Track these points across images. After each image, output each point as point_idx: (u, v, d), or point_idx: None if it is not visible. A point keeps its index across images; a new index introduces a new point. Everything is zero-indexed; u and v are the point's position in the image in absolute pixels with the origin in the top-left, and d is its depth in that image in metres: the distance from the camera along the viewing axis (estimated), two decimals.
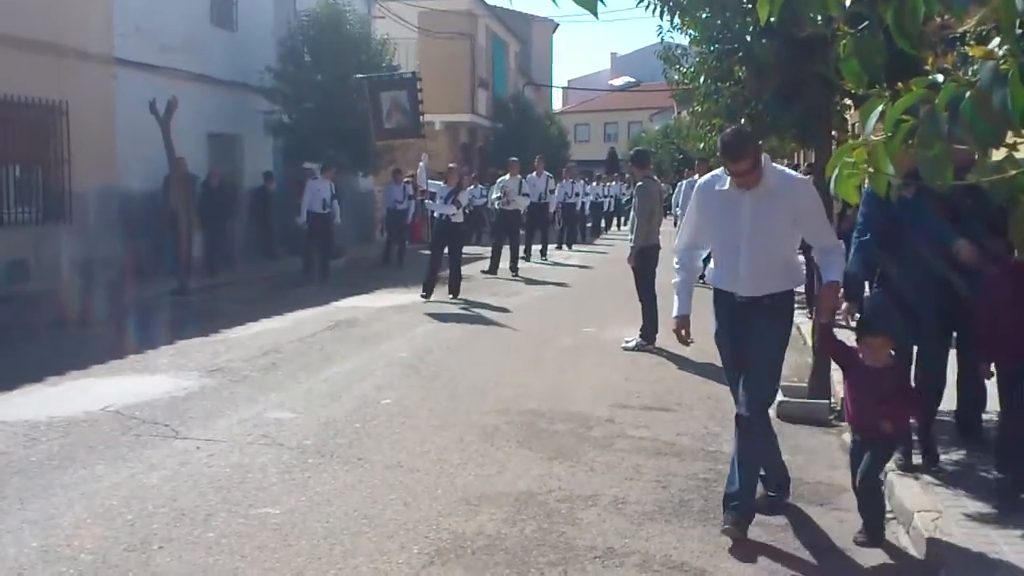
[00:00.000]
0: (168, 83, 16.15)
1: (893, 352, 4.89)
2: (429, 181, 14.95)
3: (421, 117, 15.71)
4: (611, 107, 68.23)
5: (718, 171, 5.07)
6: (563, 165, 29.74)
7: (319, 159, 18.94)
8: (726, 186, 4.93)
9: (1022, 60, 1.46)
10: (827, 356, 5.22)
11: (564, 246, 25.40)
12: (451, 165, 15.50)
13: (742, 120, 9.59)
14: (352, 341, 10.61)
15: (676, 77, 16.22)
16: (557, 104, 56.18)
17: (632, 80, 68.47)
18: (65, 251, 14.58)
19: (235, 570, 4.41)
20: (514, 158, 19.89)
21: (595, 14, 1.90)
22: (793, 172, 5.17)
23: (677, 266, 5.30)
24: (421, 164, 15.15)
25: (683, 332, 5.22)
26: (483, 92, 36.30)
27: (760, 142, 5.09)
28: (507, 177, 19.13)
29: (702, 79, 10.31)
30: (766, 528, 5.01)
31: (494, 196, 19.61)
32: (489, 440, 6.61)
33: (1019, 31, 1.52)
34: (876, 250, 5.79)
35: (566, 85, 71.89)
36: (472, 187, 22.58)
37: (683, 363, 9.28)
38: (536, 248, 21.89)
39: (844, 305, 5.58)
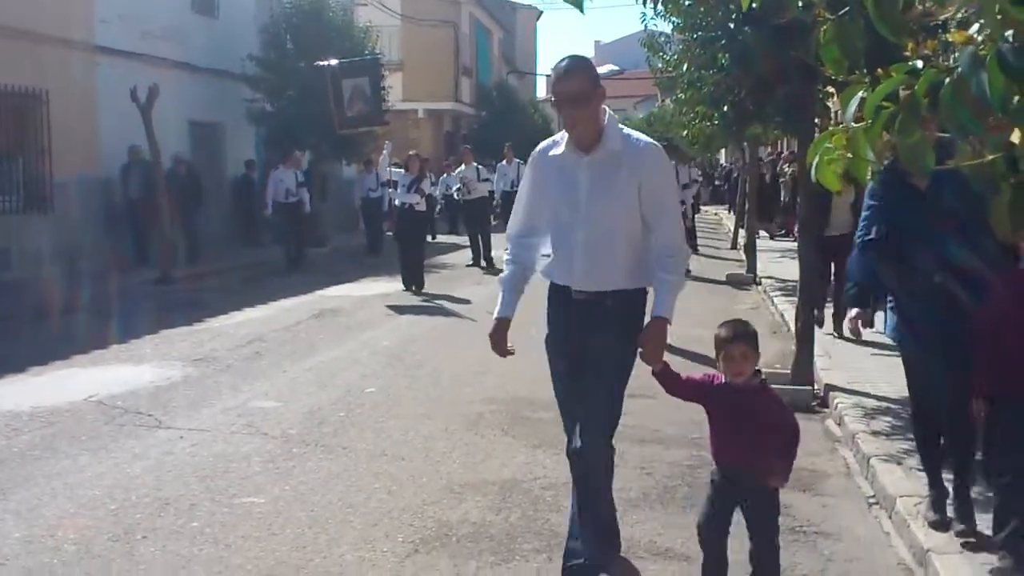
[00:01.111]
0: (149, 71, 16.04)
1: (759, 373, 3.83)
2: (391, 169, 14.79)
3: (384, 103, 15.57)
4: None
5: (557, 136, 4.11)
6: None
7: (302, 147, 18.86)
8: (561, 149, 4.00)
9: (1000, 45, 1.47)
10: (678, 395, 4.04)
11: None
12: (411, 152, 15.20)
13: (725, 108, 9.61)
14: (337, 330, 10.59)
15: (659, 65, 16.27)
16: (541, 92, 55.93)
17: (616, 68, 68.26)
18: (47, 240, 14.49)
19: (219, 559, 4.41)
20: (467, 146, 19.61)
21: (581, 10, 1.90)
22: (645, 137, 4.08)
23: (507, 257, 4.28)
24: (384, 152, 15.03)
25: (496, 339, 4.13)
26: (467, 80, 36.23)
27: (601, 88, 3.90)
28: (463, 167, 18.65)
29: (685, 67, 10.31)
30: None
31: (455, 188, 19.16)
32: (474, 428, 6.62)
33: (999, 16, 1.52)
34: (880, 253, 4.72)
35: (550, 73, 71.76)
36: (445, 175, 22.42)
37: (668, 351, 9.30)
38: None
39: (853, 312, 4.81)
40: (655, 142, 4.08)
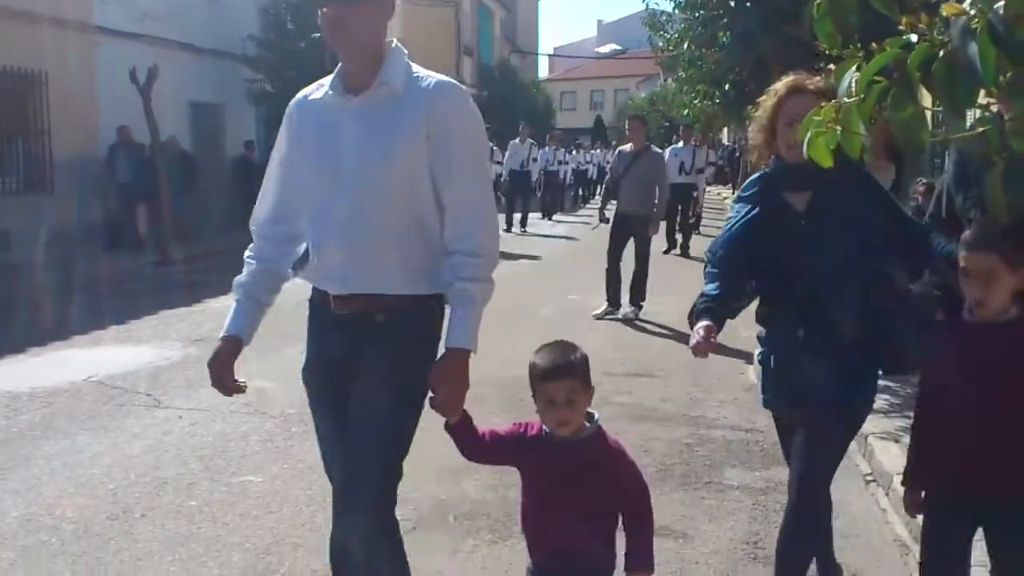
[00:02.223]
0: (149, 51, 16.00)
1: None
2: None
3: None
4: (597, 75, 67.97)
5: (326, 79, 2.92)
6: (549, 133, 29.43)
7: None
8: (324, 93, 2.87)
9: (991, 17, 1.45)
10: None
11: (546, 216, 24.70)
12: None
13: (726, 87, 9.60)
14: None
15: (660, 44, 16.24)
16: (543, 72, 56.02)
17: (618, 47, 68.21)
18: (46, 221, 14.49)
19: (217, 538, 4.42)
20: (487, 125, 19.47)
21: None
22: (442, 76, 2.90)
23: (248, 254, 3.08)
24: None
25: (218, 367, 2.91)
26: (468, 59, 36.13)
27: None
28: None
29: (685, 45, 10.29)
30: (747, 491, 5.04)
31: None
32: (472, 408, 6.60)
33: None
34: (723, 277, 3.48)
35: (552, 53, 71.64)
36: None
37: (669, 331, 9.32)
38: (516, 217, 21.05)
39: (701, 328, 3.22)
40: (455, 82, 2.92)
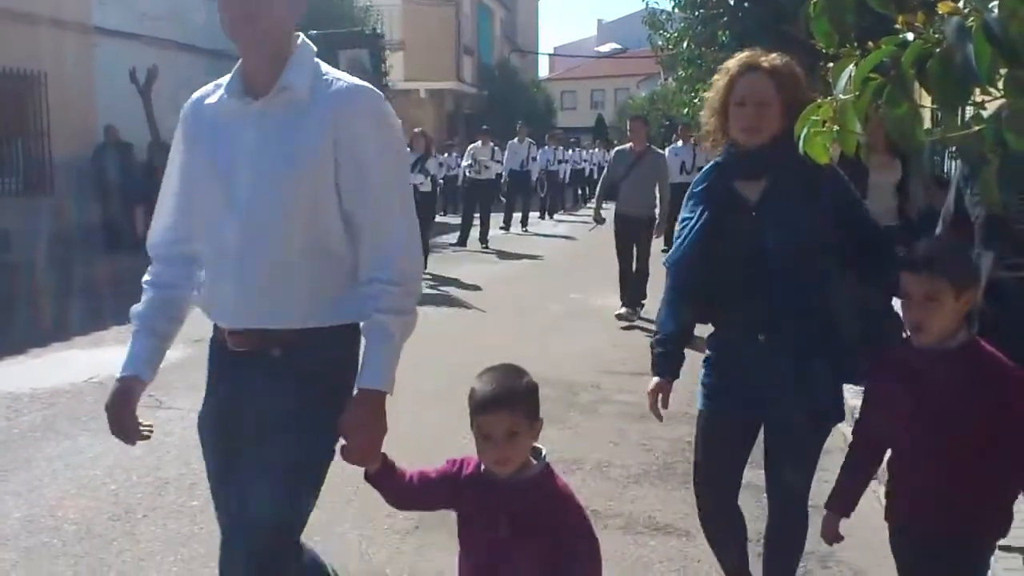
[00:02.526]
0: (148, 52, 16.02)
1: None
2: None
3: (385, 79, 15.05)
4: (598, 74, 67.91)
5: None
6: (548, 132, 29.41)
7: None
8: (220, 96, 2.55)
9: (986, 15, 1.46)
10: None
11: (547, 215, 24.83)
12: (416, 130, 14.72)
13: None
14: None
15: (660, 42, 16.26)
16: (543, 71, 56.04)
17: (619, 47, 68.18)
18: (47, 222, 14.50)
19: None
20: (485, 127, 19.49)
21: None
22: (355, 79, 2.52)
23: (146, 279, 2.79)
24: None
25: (116, 412, 2.61)
26: (468, 59, 36.13)
27: None
28: (479, 144, 18.36)
29: (685, 44, 10.30)
30: (749, 489, 5.04)
31: (465, 164, 18.83)
32: None
33: None
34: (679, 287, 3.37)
35: (552, 52, 71.64)
36: (447, 155, 22.26)
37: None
38: (517, 217, 21.17)
39: (653, 384, 3.44)
40: (370, 86, 2.53)
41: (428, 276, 13.42)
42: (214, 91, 2.59)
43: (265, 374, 2.47)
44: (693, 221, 3.21)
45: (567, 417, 6.38)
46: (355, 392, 2.43)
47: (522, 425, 2.34)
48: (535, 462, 2.40)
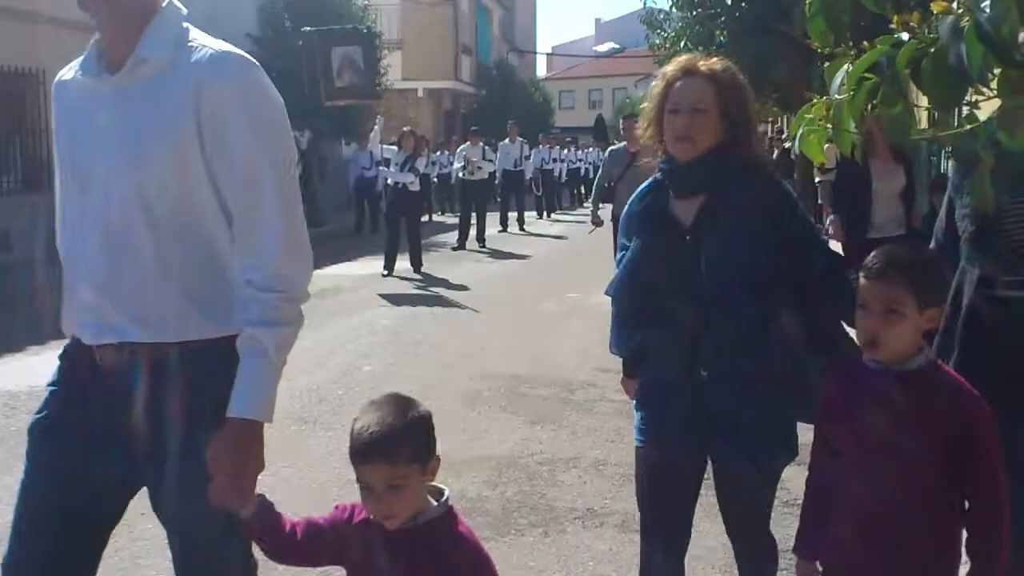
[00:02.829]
0: None
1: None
2: (383, 147, 14.25)
3: (379, 77, 14.85)
4: (596, 73, 67.89)
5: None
6: (548, 132, 29.36)
7: (300, 126, 18.82)
8: (77, 72, 2.25)
9: (978, 15, 1.48)
10: None
11: (544, 214, 24.79)
12: (405, 129, 14.54)
13: None
14: (336, 308, 10.62)
15: (658, 42, 16.29)
16: (541, 71, 56.04)
17: (616, 46, 68.15)
18: (46, 220, 14.46)
19: None
20: (474, 128, 19.41)
21: None
22: (226, 45, 2.15)
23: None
24: (376, 128, 14.34)
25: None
26: (466, 58, 36.14)
27: None
28: (468, 145, 18.20)
29: (682, 44, 10.32)
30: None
31: (456, 166, 18.69)
32: (471, 405, 6.65)
33: None
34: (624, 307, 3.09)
35: (550, 51, 71.60)
36: (439, 153, 22.21)
37: None
38: (513, 216, 21.06)
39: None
40: (241, 52, 2.15)
41: (426, 276, 13.45)
42: (73, 68, 2.27)
43: (135, 399, 2.11)
44: (627, 252, 2.91)
45: (564, 415, 6.39)
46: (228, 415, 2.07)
47: (406, 474, 1.97)
48: (435, 503, 2.05)
